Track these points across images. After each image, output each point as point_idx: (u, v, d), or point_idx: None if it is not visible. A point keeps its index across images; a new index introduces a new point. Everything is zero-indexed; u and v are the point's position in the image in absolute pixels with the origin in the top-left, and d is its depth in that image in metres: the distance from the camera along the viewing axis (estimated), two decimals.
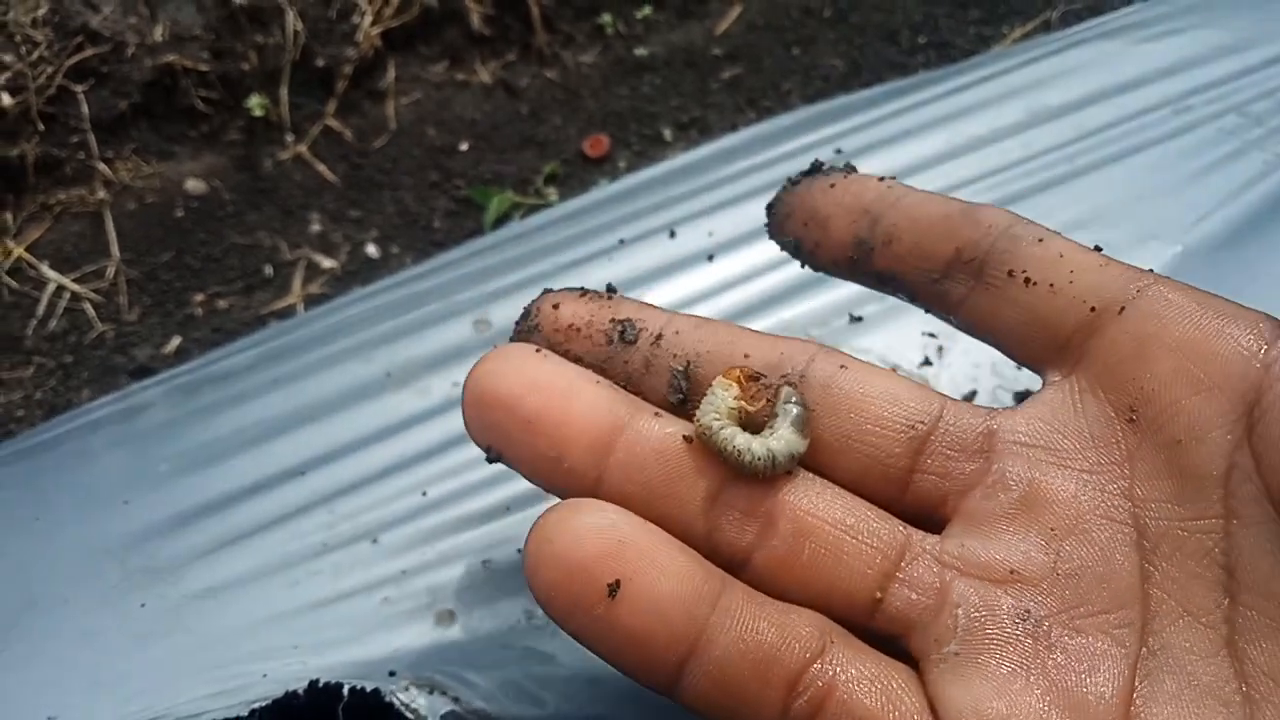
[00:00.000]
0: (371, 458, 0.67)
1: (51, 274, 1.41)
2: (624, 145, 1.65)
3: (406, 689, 0.52)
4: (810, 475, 0.49)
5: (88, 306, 1.40)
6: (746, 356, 0.50)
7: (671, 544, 0.46)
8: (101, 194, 1.46)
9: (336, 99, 1.60)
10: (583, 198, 1.02)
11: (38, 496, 0.68)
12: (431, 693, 0.52)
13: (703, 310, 0.76)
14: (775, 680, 0.45)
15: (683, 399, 0.49)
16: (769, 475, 0.48)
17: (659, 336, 0.50)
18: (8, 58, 1.41)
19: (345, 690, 0.52)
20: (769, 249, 0.78)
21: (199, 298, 1.43)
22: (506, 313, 0.78)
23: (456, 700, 0.52)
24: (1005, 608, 0.46)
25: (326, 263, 1.48)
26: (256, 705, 0.54)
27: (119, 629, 0.57)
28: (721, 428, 0.47)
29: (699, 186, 0.94)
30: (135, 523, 0.63)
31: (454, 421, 0.69)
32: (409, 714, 0.51)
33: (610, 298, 0.52)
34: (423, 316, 0.80)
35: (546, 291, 0.52)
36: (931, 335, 0.79)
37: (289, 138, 1.57)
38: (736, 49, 1.78)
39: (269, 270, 1.46)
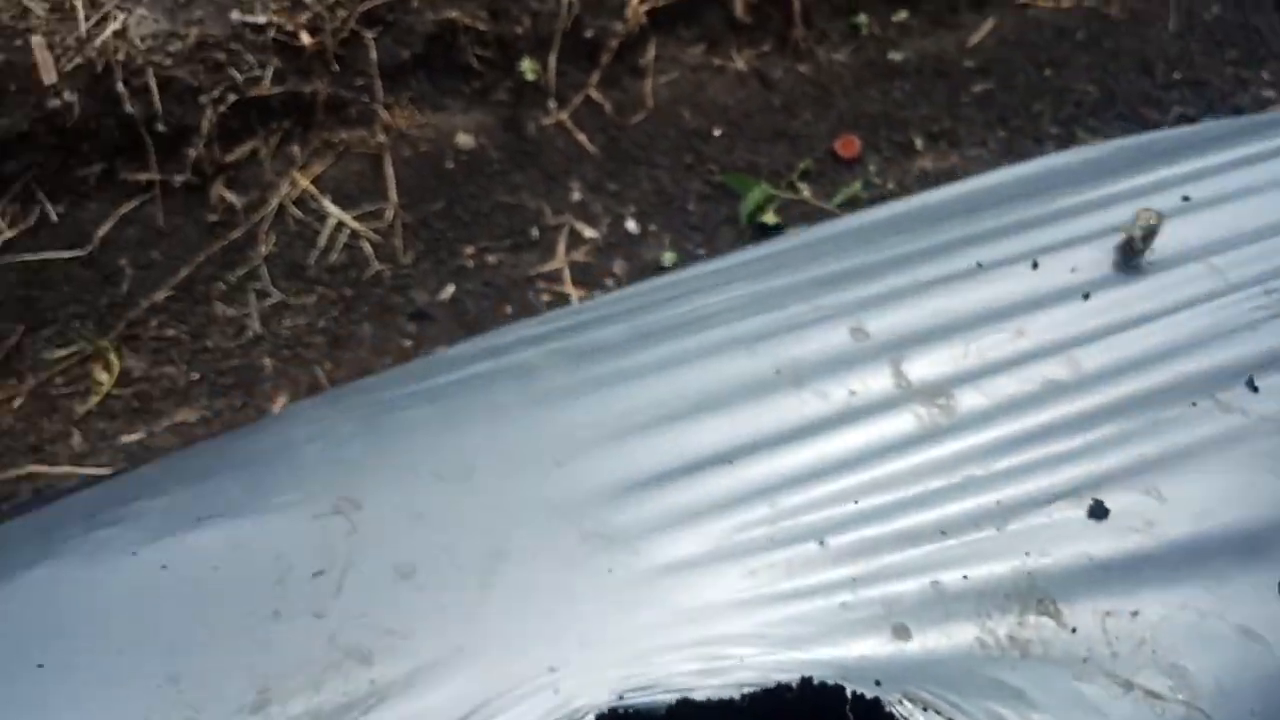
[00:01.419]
0: (794, 457, 0.71)
1: (333, 209, 1.48)
2: (874, 149, 1.66)
3: (902, 702, 0.56)
4: None
5: (366, 244, 1.47)
6: None
7: None
8: (381, 138, 1.52)
9: (600, 71, 1.63)
10: (906, 203, 1.04)
11: (460, 442, 0.73)
12: (925, 710, 0.56)
13: (1095, 355, 0.78)
14: None
15: None
16: None
17: None
18: None
19: (849, 693, 0.56)
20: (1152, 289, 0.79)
21: (469, 250, 1.48)
22: (881, 324, 0.81)
23: (939, 713, 0.55)
24: None
25: (588, 232, 1.52)
26: (746, 690, 0.59)
27: (594, 592, 0.62)
28: None
29: (1025, 219, 0.95)
30: (577, 487, 0.68)
31: (873, 431, 0.72)
32: None
33: None
34: (793, 316, 0.83)
35: None
36: None
37: (552, 104, 1.61)
38: (988, 63, 1.78)
39: (534, 232, 1.51)
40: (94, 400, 1.38)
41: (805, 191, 1.58)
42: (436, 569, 0.65)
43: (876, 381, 0.77)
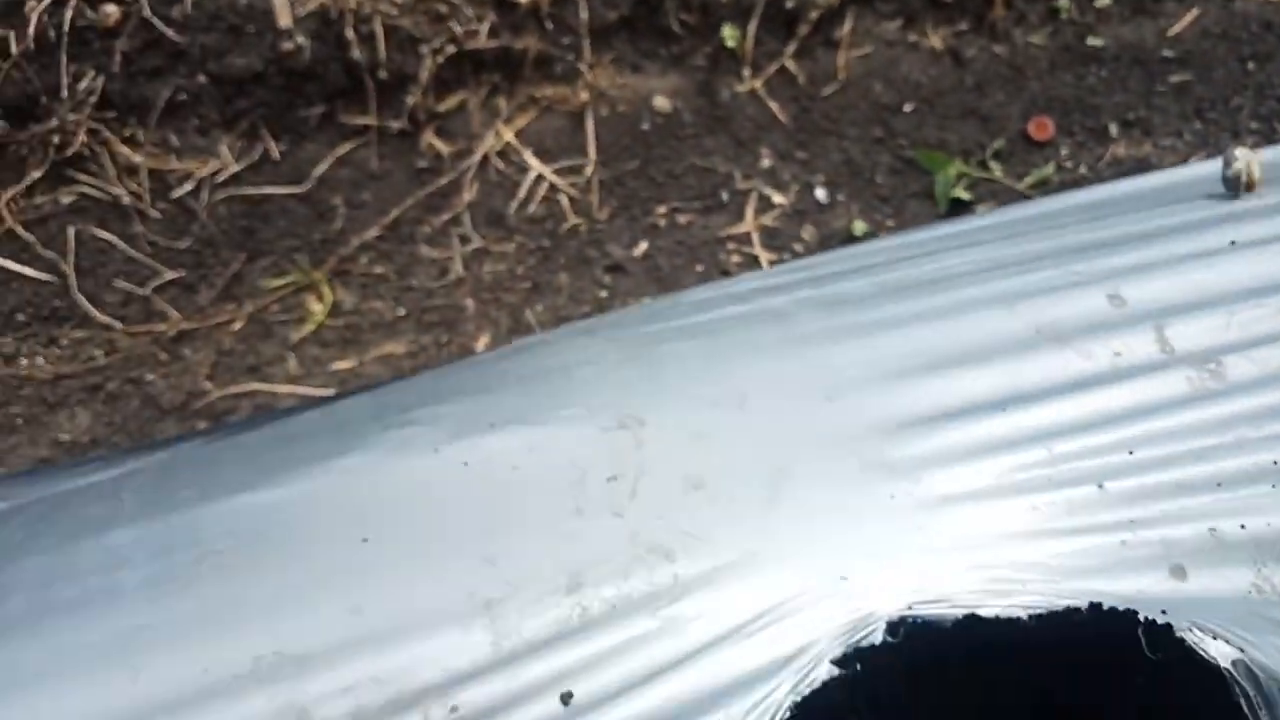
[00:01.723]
0: (1067, 407, 0.72)
1: (534, 162, 1.53)
2: (1066, 133, 1.65)
3: (1192, 630, 0.57)
4: None
5: (564, 198, 1.52)
6: None
7: None
8: (583, 96, 1.57)
9: (796, 41, 1.65)
10: (1138, 181, 1.03)
11: (730, 371, 0.77)
12: (1215, 639, 0.57)
13: None
14: None
15: None
16: None
17: None
18: None
19: (1141, 617, 0.58)
20: None
21: (661, 209, 1.52)
22: (1139, 293, 0.81)
23: (1241, 650, 0.57)
24: None
25: (777, 198, 1.55)
26: (1033, 610, 0.61)
27: (877, 515, 0.65)
28: None
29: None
30: (851, 421, 0.71)
31: (1142, 390, 0.73)
32: (1201, 652, 0.56)
33: None
34: (1046, 280, 0.84)
35: None
36: None
37: (746, 71, 1.64)
38: (1188, 54, 1.74)
39: (724, 196, 1.54)
40: (308, 328, 1.46)
41: (997, 171, 1.58)
42: (724, 483, 0.69)
43: (1140, 346, 0.77)
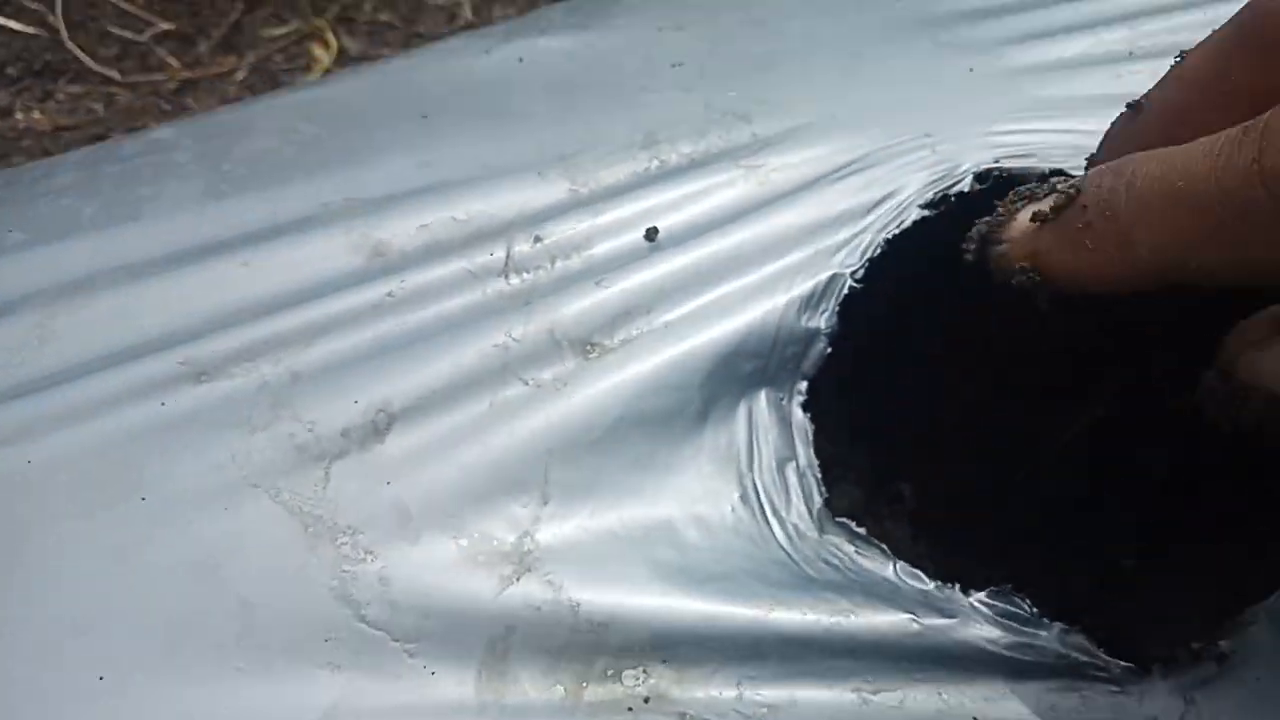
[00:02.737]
0: None
1: None
2: None
3: None
4: None
5: None
6: None
7: None
8: None
9: None
10: None
11: None
12: None
13: None
14: None
15: None
16: None
17: None
18: None
19: None
20: None
21: None
22: None
23: None
24: None
25: None
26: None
27: (957, 82, 0.63)
28: None
29: None
30: (927, 9, 0.68)
31: None
32: None
33: None
34: None
35: None
36: None
37: None
38: None
39: None
40: (314, 76, 1.40)
41: None
42: (797, 65, 0.66)
43: None
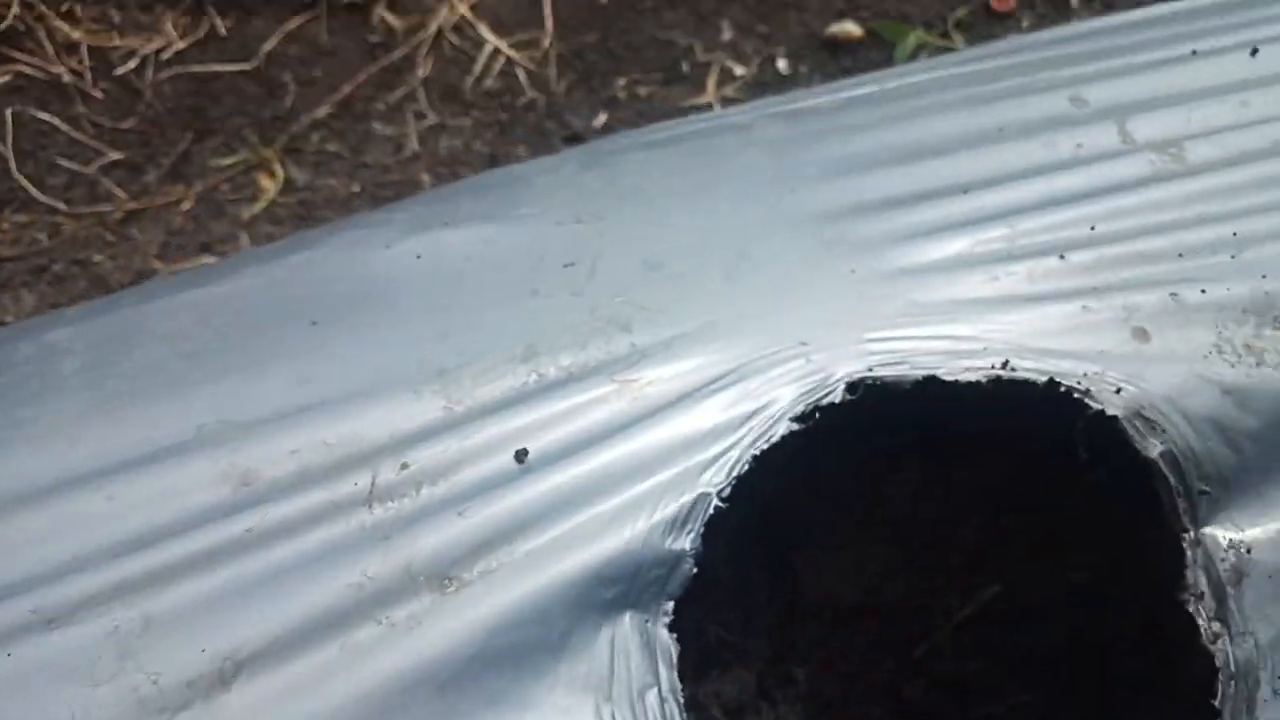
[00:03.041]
0: (1029, 189, 0.71)
1: (490, 36, 1.50)
2: (1028, 5, 1.63)
3: (1133, 423, 0.57)
4: None
5: (521, 72, 1.48)
6: None
7: None
8: None
9: None
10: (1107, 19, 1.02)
11: (691, 173, 0.75)
12: (1155, 430, 0.57)
13: None
14: None
15: None
16: None
17: None
18: None
19: (1091, 410, 0.57)
20: None
21: (621, 81, 1.49)
22: (1101, 94, 0.80)
23: (1164, 431, 0.57)
24: None
25: (739, 69, 1.52)
26: (992, 375, 0.60)
27: (838, 287, 0.64)
28: None
29: (1237, 21, 0.93)
30: (813, 207, 0.70)
31: (1104, 172, 0.72)
32: (1135, 443, 0.56)
33: None
34: (1009, 88, 0.83)
35: None
36: None
37: None
38: None
39: (685, 67, 1.51)
40: (260, 205, 1.42)
41: (958, 41, 1.56)
42: (684, 265, 0.68)
43: (1103, 138, 0.77)
